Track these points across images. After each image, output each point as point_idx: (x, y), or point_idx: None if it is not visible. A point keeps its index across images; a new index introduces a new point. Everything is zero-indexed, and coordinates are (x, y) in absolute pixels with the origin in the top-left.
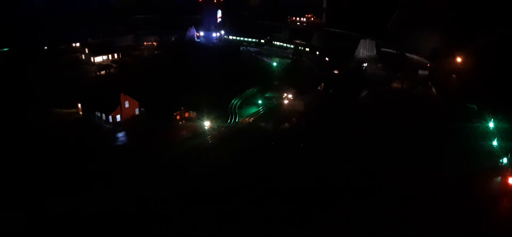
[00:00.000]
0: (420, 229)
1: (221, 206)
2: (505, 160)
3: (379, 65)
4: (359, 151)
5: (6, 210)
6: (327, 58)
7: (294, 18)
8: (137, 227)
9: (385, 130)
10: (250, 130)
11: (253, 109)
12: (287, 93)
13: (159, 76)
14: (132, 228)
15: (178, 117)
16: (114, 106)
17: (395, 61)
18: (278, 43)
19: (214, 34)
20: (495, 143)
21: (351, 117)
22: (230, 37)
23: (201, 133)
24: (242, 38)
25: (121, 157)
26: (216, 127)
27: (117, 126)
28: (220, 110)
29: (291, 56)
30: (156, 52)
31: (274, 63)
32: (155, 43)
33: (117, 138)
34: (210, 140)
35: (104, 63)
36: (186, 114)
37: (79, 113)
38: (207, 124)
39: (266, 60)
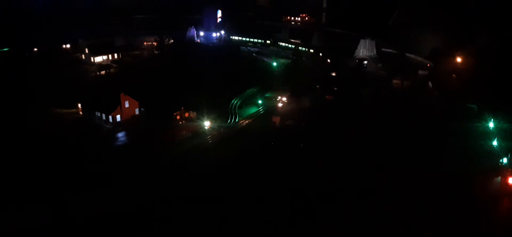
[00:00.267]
0: (420, 229)
1: (221, 206)
2: (505, 160)
3: (379, 65)
4: (359, 151)
5: (6, 210)
6: (329, 60)
7: (289, 17)
8: (137, 227)
9: (385, 129)
10: (250, 130)
11: (253, 109)
12: (282, 96)
13: (159, 76)
14: (132, 228)
15: (178, 117)
16: (114, 106)
17: (395, 61)
18: (283, 44)
19: (214, 34)
20: (495, 143)
21: (351, 117)
22: (235, 37)
23: (201, 133)
24: (247, 39)
25: (121, 157)
26: (216, 126)
27: (117, 126)
28: (220, 110)
29: (291, 56)
30: (156, 52)
31: (274, 63)
32: (155, 43)
33: (117, 138)
34: (210, 140)
35: (104, 63)
36: (186, 114)
37: (79, 113)
38: (207, 124)
39: (266, 60)
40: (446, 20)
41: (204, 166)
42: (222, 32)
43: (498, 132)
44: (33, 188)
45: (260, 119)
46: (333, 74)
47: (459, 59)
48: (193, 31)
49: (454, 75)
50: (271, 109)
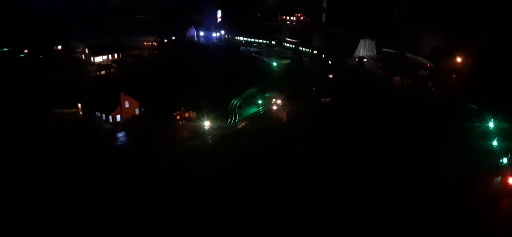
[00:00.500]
0: (420, 229)
1: (221, 206)
2: (505, 160)
3: (379, 65)
4: (359, 151)
5: (6, 210)
6: (330, 62)
7: (284, 17)
8: (137, 227)
9: (385, 129)
10: (249, 130)
11: (253, 109)
12: (276, 99)
13: (159, 76)
14: (131, 228)
15: (178, 117)
16: (114, 106)
17: (395, 61)
18: (288, 45)
19: (214, 34)
20: (495, 143)
21: (351, 117)
22: (240, 38)
23: (201, 133)
24: (251, 39)
25: (121, 157)
26: (216, 126)
27: (117, 126)
28: (220, 110)
29: (291, 56)
30: (156, 52)
31: (274, 63)
32: (155, 43)
33: (117, 138)
34: (210, 140)
35: (104, 63)
36: (186, 114)
37: (79, 113)
38: (207, 124)
39: (266, 60)
40: (446, 20)
41: (204, 166)
42: (222, 32)
43: (498, 132)
44: (33, 188)
45: (258, 120)
46: (330, 76)
47: (459, 59)
48: (193, 31)
49: (454, 75)
50: (264, 112)
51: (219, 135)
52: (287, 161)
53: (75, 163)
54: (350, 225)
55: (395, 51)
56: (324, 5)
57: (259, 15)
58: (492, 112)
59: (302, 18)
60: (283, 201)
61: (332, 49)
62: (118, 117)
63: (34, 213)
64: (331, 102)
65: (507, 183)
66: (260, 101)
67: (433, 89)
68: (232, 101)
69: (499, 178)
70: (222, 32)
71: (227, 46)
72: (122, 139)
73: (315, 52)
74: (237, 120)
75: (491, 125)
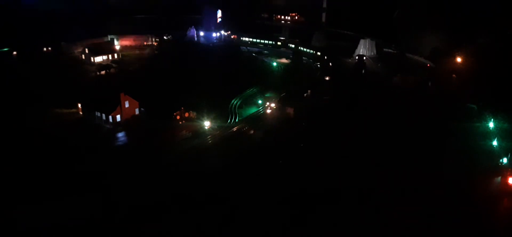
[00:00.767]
0: (420, 229)
1: (221, 206)
2: (505, 160)
3: (379, 65)
4: (359, 151)
5: (6, 210)
6: (330, 63)
7: (279, 16)
8: (137, 227)
9: (385, 129)
10: (249, 130)
11: (253, 109)
12: (270, 102)
13: (159, 76)
14: (131, 228)
15: (178, 117)
16: (114, 106)
17: (395, 61)
18: (302, 48)
19: (214, 34)
20: (495, 143)
21: (351, 117)
22: (245, 39)
23: (201, 133)
24: (257, 40)
25: (121, 157)
26: (215, 126)
27: (117, 126)
28: (220, 110)
29: (291, 56)
30: (156, 52)
31: (274, 63)
32: (155, 43)
33: (117, 138)
34: (210, 140)
35: (104, 63)
36: (186, 114)
37: (79, 113)
38: (207, 124)
39: (266, 60)
40: (446, 20)
41: (204, 166)
42: (229, 32)
43: (498, 132)
44: (33, 189)
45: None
46: (327, 78)
47: (459, 59)
48: (193, 31)
49: (454, 75)
50: (256, 116)
51: (219, 135)
52: (287, 161)
53: (75, 163)
54: (350, 225)
55: (395, 51)
56: (324, 5)
57: (264, 15)
58: (492, 112)
59: (297, 17)
60: (283, 201)
61: (332, 49)
62: (118, 117)
63: (34, 213)
64: (327, 104)
65: (507, 183)
66: (260, 101)
67: (433, 89)
68: (232, 101)
69: (499, 178)
70: (229, 32)
71: (227, 46)
72: (122, 139)
73: (318, 53)
74: (237, 120)
75: (491, 125)
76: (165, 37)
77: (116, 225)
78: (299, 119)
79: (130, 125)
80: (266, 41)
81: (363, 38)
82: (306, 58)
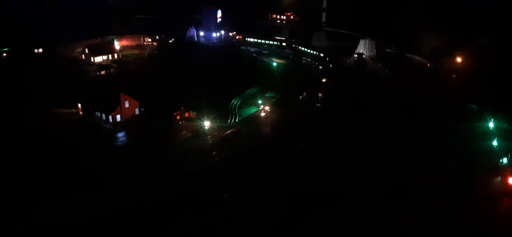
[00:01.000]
0: (420, 229)
1: (221, 206)
2: (505, 160)
3: (379, 65)
4: (359, 151)
5: (6, 211)
6: (331, 65)
7: (274, 15)
8: (136, 227)
9: (385, 129)
10: (249, 130)
11: (253, 109)
12: (264, 105)
13: (159, 76)
14: (131, 228)
15: (178, 117)
16: (114, 106)
17: (395, 61)
18: (306, 49)
19: (214, 34)
20: (495, 143)
21: (351, 117)
22: (249, 39)
23: (201, 133)
24: (262, 41)
25: (121, 157)
26: (215, 126)
27: (117, 126)
28: (220, 110)
29: (291, 56)
30: (156, 52)
31: (274, 63)
32: (155, 43)
33: (117, 138)
34: (210, 140)
35: (104, 63)
36: (186, 115)
37: (79, 113)
38: (207, 124)
39: (266, 60)
40: (446, 20)
41: (204, 166)
42: (222, 32)
43: (498, 132)
44: (33, 189)
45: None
46: (324, 80)
47: (459, 59)
48: (193, 31)
49: (454, 75)
50: (250, 119)
51: (219, 135)
52: (287, 161)
53: (75, 163)
54: (350, 225)
55: (395, 51)
56: (324, 5)
57: (269, 16)
58: (492, 112)
59: (292, 17)
60: (283, 201)
61: (333, 49)
62: (118, 117)
63: (34, 213)
64: (323, 108)
65: (507, 183)
66: (260, 101)
67: (432, 89)
68: (232, 101)
69: (499, 178)
70: (234, 33)
71: (227, 46)
72: (122, 139)
73: (321, 55)
74: (237, 120)
75: (491, 125)
76: (157, 37)
77: (116, 225)
78: (291, 125)
79: (130, 125)
80: (271, 42)
81: (363, 38)
82: (306, 58)
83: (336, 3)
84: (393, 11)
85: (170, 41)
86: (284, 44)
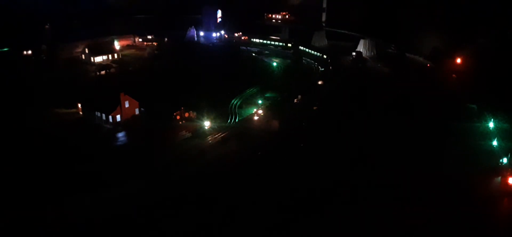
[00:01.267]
0: (420, 229)
1: (221, 207)
2: (505, 160)
3: (379, 65)
4: (359, 151)
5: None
6: (331, 67)
7: (270, 15)
8: (136, 227)
9: (385, 129)
10: (249, 130)
11: (253, 109)
12: (258, 109)
13: (159, 76)
14: (131, 228)
15: (178, 117)
16: (114, 106)
17: (395, 61)
18: (307, 49)
19: (214, 34)
20: (495, 143)
21: (351, 117)
22: (255, 40)
23: (201, 133)
24: (268, 42)
25: (121, 157)
26: (216, 126)
27: (117, 126)
28: (220, 110)
29: (291, 56)
30: (156, 52)
31: (274, 63)
32: (155, 43)
33: (117, 138)
34: (210, 140)
35: (104, 63)
36: (186, 115)
37: (79, 113)
38: (207, 124)
39: (266, 60)
40: (446, 20)
41: (203, 166)
42: (222, 32)
43: (498, 132)
44: (33, 189)
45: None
46: (320, 82)
47: (459, 59)
48: (193, 31)
49: (454, 75)
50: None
51: (219, 135)
52: (287, 161)
53: (75, 163)
54: (350, 225)
55: (395, 51)
56: (324, 5)
57: (264, 15)
58: (492, 112)
59: (287, 16)
60: (283, 201)
61: (333, 49)
62: (118, 117)
63: (34, 213)
64: (318, 111)
65: (507, 183)
66: (260, 101)
67: (432, 89)
68: (232, 101)
69: (499, 178)
70: (240, 33)
71: (227, 46)
72: (122, 139)
73: (324, 56)
74: (237, 120)
75: (491, 125)
76: (148, 37)
77: (116, 225)
78: (285, 132)
79: (130, 125)
80: (277, 43)
81: (363, 38)
82: (306, 58)
83: (336, 3)
84: (393, 11)
85: (165, 40)
86: (289, 45)
